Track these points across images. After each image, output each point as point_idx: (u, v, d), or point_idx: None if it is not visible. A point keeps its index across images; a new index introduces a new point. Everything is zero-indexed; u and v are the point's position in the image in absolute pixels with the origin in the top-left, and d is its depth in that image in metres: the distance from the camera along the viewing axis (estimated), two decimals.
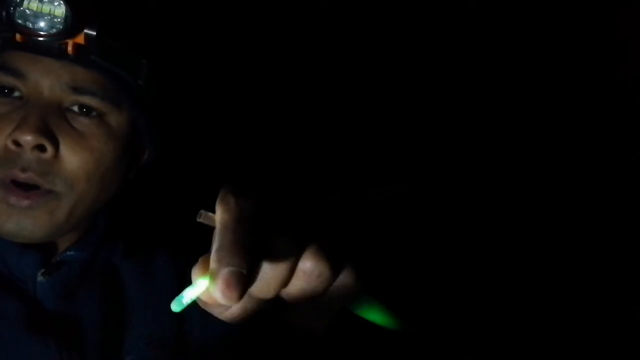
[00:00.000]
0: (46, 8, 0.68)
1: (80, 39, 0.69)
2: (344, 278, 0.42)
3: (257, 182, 0.42)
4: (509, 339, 1.33)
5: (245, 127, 1.37)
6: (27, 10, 0.68)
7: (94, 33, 0.69)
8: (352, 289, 0.43)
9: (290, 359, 0.53)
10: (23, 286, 0.73)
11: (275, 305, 0.42)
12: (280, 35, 1.39)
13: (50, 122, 0.70)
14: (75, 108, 0.72)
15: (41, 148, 0.69)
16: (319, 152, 1.42)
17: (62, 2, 0.67)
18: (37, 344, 0.70)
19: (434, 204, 1.45)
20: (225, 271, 0.36)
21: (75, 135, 0.71)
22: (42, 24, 0.68)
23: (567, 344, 1.36)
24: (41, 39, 0.68)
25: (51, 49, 0.69)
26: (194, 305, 0.40)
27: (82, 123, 0.72)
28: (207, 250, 0.44)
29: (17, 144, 0.69)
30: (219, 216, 0.39)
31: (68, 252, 0.76)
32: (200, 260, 0.40)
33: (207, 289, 0.38)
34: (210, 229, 0.41)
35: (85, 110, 0.72)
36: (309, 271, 0.40)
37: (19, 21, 0.68)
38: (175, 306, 0.38)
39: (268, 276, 0.40)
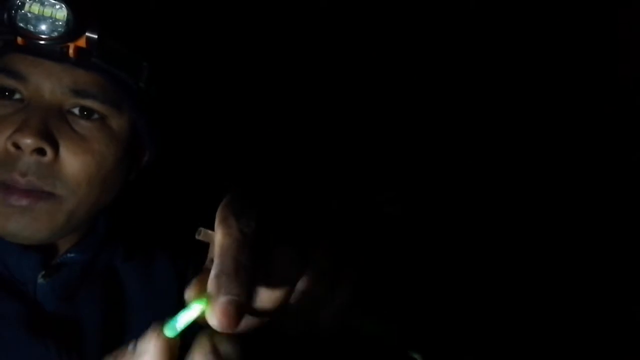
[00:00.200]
0: (48, 11, 0.68)
1: (81, 42, 0.69)
2: (340, 296, 0.42)
3: (257, 190, 0.42)
4: (509, 339, 1.33)
5: (247, 130, 1.37)
6: (28, 14, 0.68)
7: (96, 36, 0.69)
8: (346, 306, 0.43)
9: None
10: (23, 288, 0.73)
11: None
12: (281, 37, 1.39)
13: (51, 125, 0.70)
14: (76, 111, 0.72)
15: (41, 151, 0.69)
16: (322, 158, 1.42)
17: (63, 5, 0.67)
18: (37, 345, 0.70)
19: (435, 209, 1.45)
20: (223, 300, 0.35)
21: (76, 138, 0.71)
22: (43, 27, 0.68)
23: (567, 344, 1.36)
24: (42, 42, 0.68)
25: (52, 52, 0.69)
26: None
27: (83, 126, 0.72)
28: (206, 253, 0.44)
29: (16, 146, 0.69)
30: (219, 240, 0.38)
31: (69, 254, 0.77)
32: (194, 281, 0.39)
33: (203, 313, 0.38)
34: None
35: (87, 113, 0.72)
36: (306, 293, 0.40)
37: (21, 24, 0.68)
38: (169, 331, 0.37)
39: (265, 298, 0.39)
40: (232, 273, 0.36)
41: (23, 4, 0.67)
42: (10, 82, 0.71)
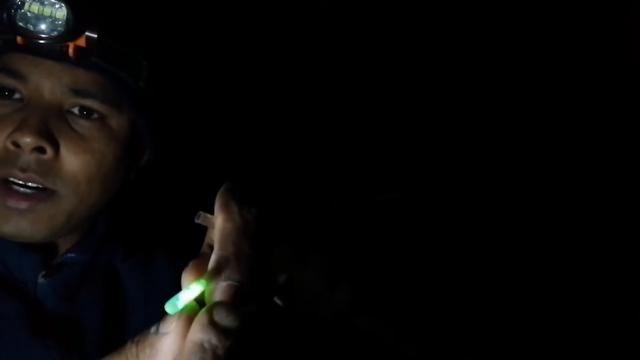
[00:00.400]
0: (47, 10, 0.67)
1: (81, 42, 0.69)
2: (339, 295, 0.43)
3: (259, 185, 0.42)
4: (509, 339, 1.33)
5: (246, 129, 1.37)
6: (28, 13, 0.67)
7: (95, 35, 0.69)
8: (345, 305, 0.43)
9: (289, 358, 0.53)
10: (23, 287, 0.73)
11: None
12: (281, 37, 1.39)
13: (50, 124, 0.70)
14: (76, 110, 0.72)
15: (40, 150, 0.69)
16: (321, 158, 1.42)
17: (63, 4, 0.67)
18: (37, 345, 0.70)
19: (434, 207, 1.45)
20: (224, 285, 0.36)
21: (75, 137, 0.71)
22: (43, 26, 0.68)
23: (568, 344, 1.36)
24: (42, 41, 0.68)
25: (52, 51, 0.69)
26: None
27: (83, 126, 0.72)
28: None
29: (16, 145, 0.69)
30: (220, 225, 0.39)
31: (69, 254, 0.76)
32: (191, 263, 0.40)
33: (202, 293, 0.38)
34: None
35: (86, 113, 0.72)
36: (305, 292, 0.41)
37: (20, 24, 0.68)
38: (170, 308, 0.38)
39: (264, 286, 0.40)
40: (233, 259, 0.37)
41: (23, 3, 0.67)
42: (9, 82, 0.71)
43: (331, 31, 1.44)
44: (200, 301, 0.39)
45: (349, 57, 1.46)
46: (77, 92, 0.71)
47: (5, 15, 0.68)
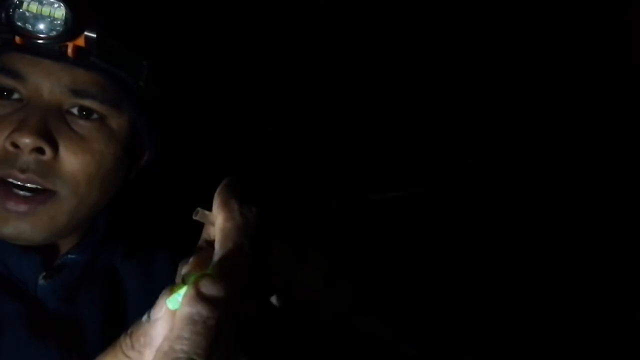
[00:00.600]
0: (46, 10, 0.67)
1: (80, 42, 0.69)
2: (338, 295, 0.43)
3: (258, 183, 0.42)
4: (509, 339, 1.33)
5: (246, 128, 1.37)
6: (26, 13, 0.67)
7: (95, 35, 0.68)
8: (345, 304, 0.43)
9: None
10: (24, 287, 0.73)
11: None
12: (281, 37, 1.39)
13: (50, 124, 0.70)
14: (75, 111, 0.72)
15: (40, 151, 0.69)
16: (321, 157, 1.42)
17: (61, 4, 0.67)
18: (38, 345, 0.70)
19: (433, 207, 1.45)
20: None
21: (75, 138, 0.71)
22: (41, 26, 0.67)
23: (568, 344, 1.36)
24: (41, 41, 0.68)
25: (51, 51, 0.69)
26: None
27: (82, 126, 0.72)
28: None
29: (15, 145, 0.69)
30: (220, 223, 0.38)
31: (69, 255, 0.76)
32: (192, 260, 0.40)
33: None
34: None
35: (86, 113, 0.72)
36: (305, 291, 0.41)
37: (19, 23, 0.67)
38: (171, 304, 0.38)
39: (264, 285, 0.40)
40: (234, 257, 0.37)
41: (21, 3, 0.67)
42: (8, 82, 0.71)
43: (331, 31, 1.44)
44: None
45: (349, 56, 1.46)
46: (76, 92, 0.71)
47: (3, 15, 0.67)
